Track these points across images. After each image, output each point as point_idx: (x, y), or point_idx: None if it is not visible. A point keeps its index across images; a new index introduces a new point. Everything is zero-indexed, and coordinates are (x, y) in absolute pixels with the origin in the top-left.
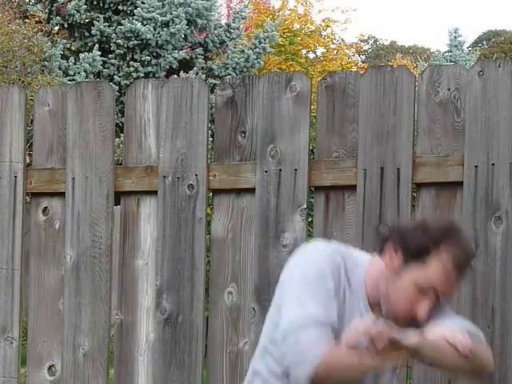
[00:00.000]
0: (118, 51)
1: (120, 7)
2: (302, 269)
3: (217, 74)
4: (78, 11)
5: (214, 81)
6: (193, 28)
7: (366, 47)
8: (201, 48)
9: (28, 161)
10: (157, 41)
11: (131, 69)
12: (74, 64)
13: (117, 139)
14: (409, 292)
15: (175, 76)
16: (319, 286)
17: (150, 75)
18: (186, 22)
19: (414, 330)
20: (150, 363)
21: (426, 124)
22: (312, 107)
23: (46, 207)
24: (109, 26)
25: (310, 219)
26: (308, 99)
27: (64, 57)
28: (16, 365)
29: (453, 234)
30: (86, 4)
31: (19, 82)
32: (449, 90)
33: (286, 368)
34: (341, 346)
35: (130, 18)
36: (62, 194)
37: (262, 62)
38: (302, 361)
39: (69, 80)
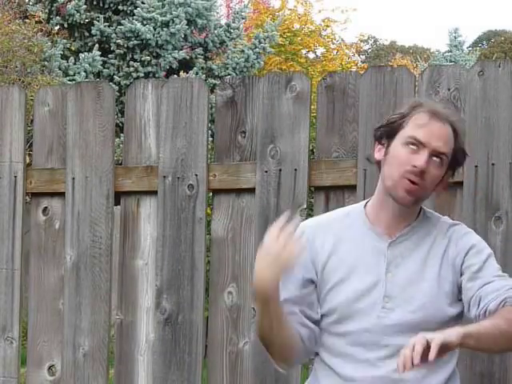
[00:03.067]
0: (117, 51)
1: (120, 7)
2: None
3: (217, 73)
4: (77, 11)
5: (214, 81)
6: (193, 28)
7: (365, 47)
8: (201, 48)
9: (28, 161)
10: (157, 41)
11: (131, 69)
12: (74, 64)
13: (117, 139)
14: (400, 154)
15: (175, 76)
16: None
17: (150, 75)
18: (185, 22)
19: None
20: (150, 363)
21: None
22: (312, 107)
23: (45, 207)
24: (109, 26)
25: None
26: (308, 99)
27: (64, 57)
28: (16, 365)
29: (423, 102)
30: (85, 4)
31: (19, 82)
32: (449, 90)
33: None
34: None
35: (130, 18)
36: (61, 194)
37: (261, 62)
38: None
39: (69, 80)
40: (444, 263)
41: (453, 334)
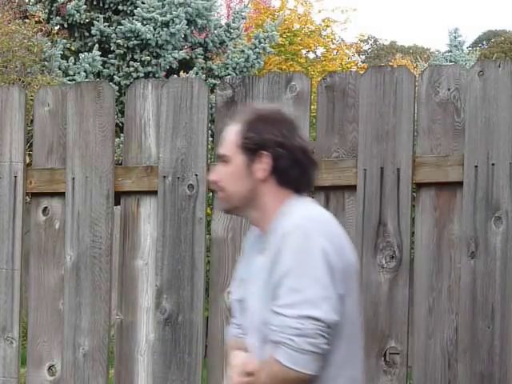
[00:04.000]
0: (117, 51)
1: (120, 7)
2: None
3: (217, 74)
4: (77, 11)
5: (214, 81)
6: (193, 28)
7: (365, 47)
8: (201, 48)
9: (28, 161)
10: (157, 41)
11: (131, 69)
12: (74, 64)
13: (117, 139)
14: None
15: (175, 76)
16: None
17: (150, 75)
18: (185, 22)
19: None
20: (150, 363)
21: (426, 124)
22: (312, 107)
23: (46, 207)
24: (109, 26)
25: None
26: (308, 99)
27: (64, 57)
28: (16, 365)
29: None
30: (85, 4)
31: (19, 82)
32: (449, 89)
33: None
34: None
35: (130, 18)
36: (62, 194)
37: (261, 62)
38: None
39: (69, 80)
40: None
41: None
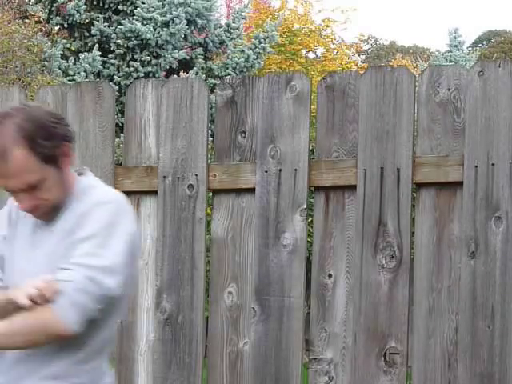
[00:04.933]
0: (117, 51)
1: (120, 7)
2: None
3: (217, 74)
4: (77, 11)
5: (213, 81)
6: (193, 28)
7: (366, 47)
8: (201, 48)
9: None
10: (157, 41)
11: (131, 69)
12: (74, 64)
13: (117, 139)
14: None
15: (175, 76)
16: None
17: (150, 75)
18: (185, 22)
19: None
20: (150, 363)
21: (425, 124)
22: (312, 107)
23: None
24: (109, 26)
25: (310, 219)
26: (308, 99)
27: (64, 57)
28: None
29: None
30: (85, 4)
31: (19, 82)
32: (449, 90)
33: None
34: None
35: (130, 18)
36: None
37: (261, 62)
38: None
39: (69, 80)
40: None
41: None
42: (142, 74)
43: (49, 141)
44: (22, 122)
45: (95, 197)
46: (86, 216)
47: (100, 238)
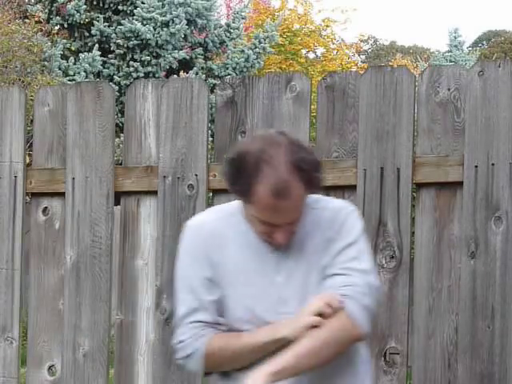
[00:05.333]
0: (117, 51)
1: (120, 7)
2: (178, 264)
3: (217, 74)
4: (77, 11)
5: (213, 81)
6: (193, 28)
7: (365, 47)
8: (201, 48)
9: (28, 161)
10: (157, 41)
11: (131, 69)
12: (74, 64)
13: (117, 139)
14: (256, 224)
15: (175, 76)
16: (187, 276)
17: (150, 75)
18: (185, 22)
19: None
20: (150, 363)
21: (425, 124)
22: (312, 107)
23: (46, 207)
24: (109, 26)
25: None
26: (308, 99)
27: (64, 57)
28: (16, 365)
29: (262, 165)
30: (85, 4)
31: (19, 82)
32: (449, 90)
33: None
34: (223, 335)
35: (130, 18)
36: (61, 194)
37: (261, 62)
38: (189, 356)
39: (69, 80)
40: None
41: (258, 380)
42: (142, 74)
43: (318, 172)
44: (293, 154)
45: (332, 205)
46: (342, 224)
47: (360, 242)
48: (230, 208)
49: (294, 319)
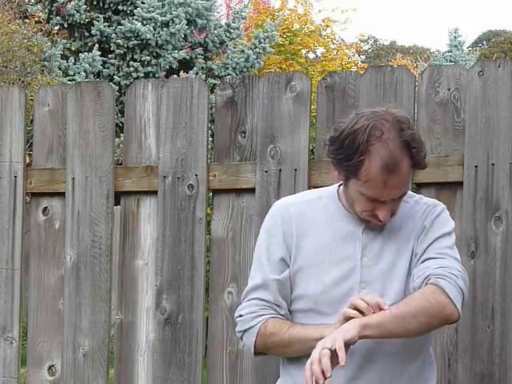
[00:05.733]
0: (117, 51)
1: (120, 7)
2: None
3: (217, 74)
4: (77, 11)
5: (213, 81)
6: (193, 28)
7: (366, 47)
8: (201, 48)
9: (28, 161)
10: (157, 41)
11: (131, 69)
12: (74, 64)
13: (117, 139)
14: (360, 201)
15: (175, 76)
16: (260, 252)
17: (150, 75)
18: (185, 21)
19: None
20: (150, 363)
21: (425, 124)
22: (312, 107)
23: (45, 207)
24: (109, 26)
25: None
26: (308, 99)
27: (64, 57)
28: (16, 365)
29: (374, 138)
30: (85, 4)
31: (19, 82)
32: (449, 90)
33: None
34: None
35: (130, 18)
36: (61, 194)
37: (261, 62)
38: (246, 330)
39: (69, 80)
40: (412, 257)
41: (351, 328)
42: (142, 74)
43: (423, 151)
44: (401, 131)
45: (426, 200)
46: (438, 216)
47: (453, 236)
48: (320, 192)
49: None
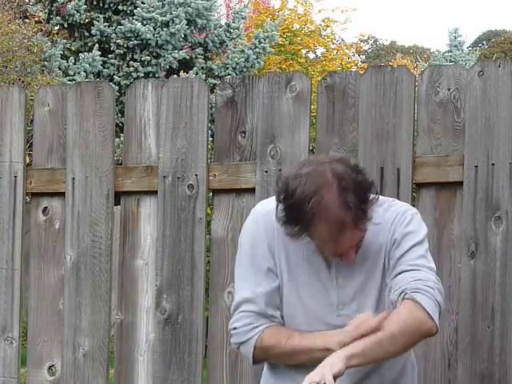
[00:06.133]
0: (117, 51)
1: (120, 7)
2: (239, 249)
3: (217, 74)
4: (77, 11)
5: (214, 81)
6: (193, 28)
7: (366, 47)
8: (201, 48)
9: (28, 161)
10: (157, 41)
11: (131, 69)
12: (74, 64)
13: (117, 139)
14: (322, 248)
15: (175, 76)
16: (247, 262)
17: (150, 75)
18: (185, 21)
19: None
20: (150, 363)
21: (426, 124)
22: (312, 107)
23: (46, 207)
24: (109, 26)
25: None
26: (308, 99)
27: (64, 57)
28: (16, 365)
29: (316, 208)
30: (85, 4)
31: (19, 82)
32: (449, 90)
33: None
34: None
35: (130, 18)
36: (61, 194)
37: (261, 62)
38: (243, 343)
39: (69, 80)
40: (385, 270)
41: (337, 361)
42: (142, 74)
43: (365, 205)
44: (341, 194)
45: (396, 207)
46: (408, 224)
47: (425, 243)
48: None
49: (345, 332)
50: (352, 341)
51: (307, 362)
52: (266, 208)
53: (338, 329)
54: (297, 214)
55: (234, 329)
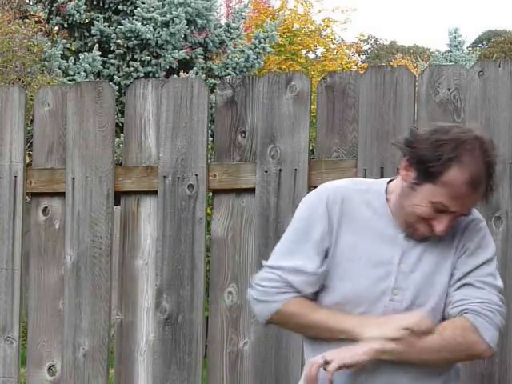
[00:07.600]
0: (117, 51)
1: (120, 7)
2: (295, 215)
3: (217, 74)
4: (77, 11)
5: (214, 81)
6: (193, 28)
7: (366, 47)
8: (201, 48)
9: (28, 161)
10: (157, 41)
11: (131, 69)
12: (74, 64)
13: (117, 139)
14: (423, 207)
15: (175, 76)
16: (299, 232)
17: (150, 75)
18: (185, 21)
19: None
20: (150, 363)
21: (426, 124)
22: (312, 107)
23: (46, 207)
24: (109, 26)
25: None
26: (308, 99)
27: (64, 57)
28: (16, 365)
29: (465, 150)
30: (85, 4)
31: (19, 82)
32: (449, 90)
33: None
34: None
35: (130, 18)
36: (61, 194)
37: (261, 62)
38: (264, 302)
39: (69, 80)
40: (452, 266)
41: (365, 351)
42: (142, 74)
43: (493, 184)
44: (487, 156)
45: (471, 216)
46: (482, 238)
47: (495, 260)
48: (368, 185)
49: (384, 326)
50: (388, 340)
51: (328, 338)
52: (335, 184)
53: (386, 312)
54: (443, 147)
55: (261, 286)
